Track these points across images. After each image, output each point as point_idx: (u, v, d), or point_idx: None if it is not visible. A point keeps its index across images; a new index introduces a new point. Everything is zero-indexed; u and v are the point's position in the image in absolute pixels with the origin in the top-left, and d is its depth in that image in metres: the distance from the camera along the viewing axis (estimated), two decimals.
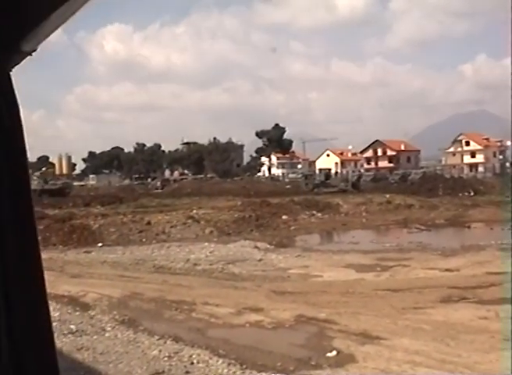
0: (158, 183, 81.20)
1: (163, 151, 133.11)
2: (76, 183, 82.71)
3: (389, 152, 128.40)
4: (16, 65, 1.90)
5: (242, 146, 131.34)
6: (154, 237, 25.21)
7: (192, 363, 8.35)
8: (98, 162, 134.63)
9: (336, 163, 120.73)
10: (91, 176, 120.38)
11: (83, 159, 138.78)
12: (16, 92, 1.92)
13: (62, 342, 9.44)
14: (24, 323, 1.91)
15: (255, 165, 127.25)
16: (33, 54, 1.86)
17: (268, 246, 22.51)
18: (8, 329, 1.89)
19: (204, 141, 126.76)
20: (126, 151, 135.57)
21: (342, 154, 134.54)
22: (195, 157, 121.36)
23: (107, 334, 10.09)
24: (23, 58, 1.89)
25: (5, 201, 1.86)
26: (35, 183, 55.46)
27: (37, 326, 1.95)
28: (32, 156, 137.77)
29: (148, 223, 26.55)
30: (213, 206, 32.99)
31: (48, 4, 1.62)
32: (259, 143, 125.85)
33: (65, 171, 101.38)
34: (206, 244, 22.91)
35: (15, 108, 1.91)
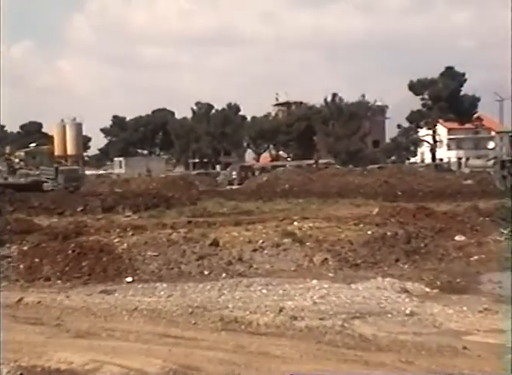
0: (234, 174, 57.85)
1: (243, 117, 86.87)
2: (89, 172, 60.80)
3: None
4: None
5: (384, 109, 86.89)
6: (224, 268, 17.60)
7: None
8: (129, 137, 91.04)
9: None
10: (117, 159, 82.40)
11: (103, 130, 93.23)
12: None
13: None
14: None
15: (407, 143, 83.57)
16: None
17: (428, 290, 15.15)
18: None
19: (316, 99, 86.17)
20: (177, 116, 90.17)
21: None
22: (299, 128, 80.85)
23: None
24: None
25: None
26: None
27: None
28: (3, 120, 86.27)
29: (215, 242, 18.88)
30: (328, 216, 24.89)
31: None
32: (415, 103, 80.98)
33: (71, 150, 66.95)
34: (314, 282, 15.59)
35: None
